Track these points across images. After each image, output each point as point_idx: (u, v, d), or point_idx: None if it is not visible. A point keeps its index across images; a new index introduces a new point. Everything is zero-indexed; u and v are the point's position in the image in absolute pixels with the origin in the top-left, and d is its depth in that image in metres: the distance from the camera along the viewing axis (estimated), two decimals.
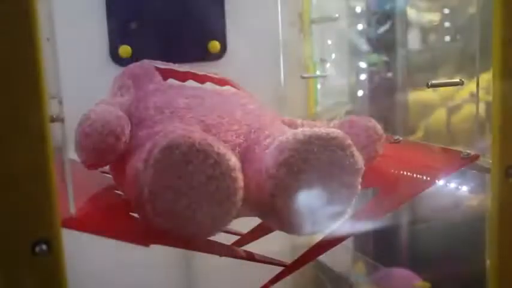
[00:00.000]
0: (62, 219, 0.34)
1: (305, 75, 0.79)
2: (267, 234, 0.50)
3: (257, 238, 0.52)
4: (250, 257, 0.46)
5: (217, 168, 0.37)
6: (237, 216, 0.40)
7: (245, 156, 0.43)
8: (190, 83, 0.51)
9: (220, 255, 0.44)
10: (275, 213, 0.40)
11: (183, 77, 0.52)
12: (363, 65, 0.98)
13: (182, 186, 0.36)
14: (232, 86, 0.53)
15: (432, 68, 1.07)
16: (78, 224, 0.38)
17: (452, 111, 1.04)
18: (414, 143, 0.71)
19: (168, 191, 0.36)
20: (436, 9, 1.09)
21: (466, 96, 1.02)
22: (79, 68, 0.68)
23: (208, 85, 0.51)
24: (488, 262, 0.47)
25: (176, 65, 0.56)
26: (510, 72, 0.43)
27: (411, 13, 1.04)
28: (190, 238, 0.39)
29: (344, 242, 0.46)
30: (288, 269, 0.43)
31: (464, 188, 0.80)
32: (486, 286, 0.46)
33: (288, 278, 0.42)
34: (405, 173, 0.50)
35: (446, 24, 1.08)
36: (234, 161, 0.38)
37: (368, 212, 0.45)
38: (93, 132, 0.41)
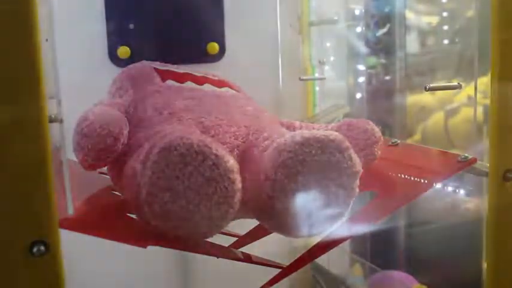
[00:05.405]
0: (59, 219, 0.33)
1: (303, 77, 0.79)
2: (265, 236, 0.50)
3: (255, 240, 0.52)
4: (248, 259, 0.46)
5: (216, 170, 0.37)
6: (235, 217, 0.40)
7: (243, 158, 0.43)
8: (189, 84, 0.51)
9: (218, 256, 0.44)
10: (273, 215, 0.40)
11: (182, 78, 0.52)
12: (361, 67, 0.98)
13: (180, 187, 0.36)
14: (230, 87, 0.53)
15: (430, 71, 1.07)
16: (76, 224, 0.38)
17: (450, 114, 1.05)
18: (412, 146, 0.71)
19: (165, 192, 0.36)
20: (434, 13, 1.09)
21: (463, 100, 1.03)
22: (78, 68, 0.68)
23: (207, 86, 0.51)
24: (484, 265, 0.47)
25: (175, 66, 0.56)
26: (508, 75, 0.43)
27: (410, 16, 1.05)
28: (188, 239, 0.38)
29: (341, 244, 0.46)
30: (286, 271, 0.43)
31: (462, 191, 0.80)
32: None
33: (285, 280, 0.42)
34: (403, 176, 0.50)
35: (445, 27, 1.08)
36: (232, 162, 0.38)
37: (366, 214, 0.45)
38: (91, 133, 0.41)
